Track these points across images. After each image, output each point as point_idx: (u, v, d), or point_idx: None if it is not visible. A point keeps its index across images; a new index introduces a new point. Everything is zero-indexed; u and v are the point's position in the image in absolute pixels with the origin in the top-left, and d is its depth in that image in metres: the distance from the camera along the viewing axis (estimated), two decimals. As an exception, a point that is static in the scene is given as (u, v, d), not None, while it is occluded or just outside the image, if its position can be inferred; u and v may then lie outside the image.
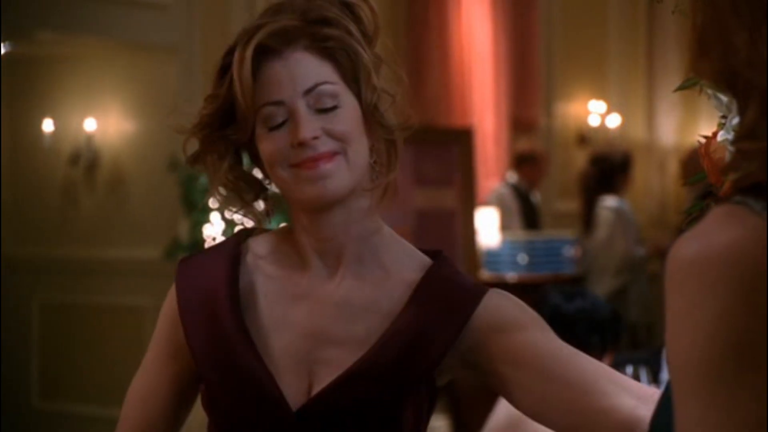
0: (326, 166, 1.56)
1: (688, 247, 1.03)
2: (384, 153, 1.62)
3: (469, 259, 6.86)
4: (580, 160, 8.22)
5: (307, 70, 1.58)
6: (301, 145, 1.55)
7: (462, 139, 6.99)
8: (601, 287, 6.98)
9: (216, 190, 1.65)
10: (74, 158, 6.85)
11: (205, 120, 1.62)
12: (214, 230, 5.71)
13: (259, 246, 1.67)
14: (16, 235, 6.95)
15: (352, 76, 1.60)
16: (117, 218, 6.76)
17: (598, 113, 8.85)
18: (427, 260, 1.65)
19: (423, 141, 6.28)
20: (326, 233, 1.61)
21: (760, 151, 1.06)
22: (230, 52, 1.61)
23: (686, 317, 1.02)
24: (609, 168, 7.37)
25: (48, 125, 6.93)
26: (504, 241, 7.26)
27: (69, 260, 6.89)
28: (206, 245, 5.63)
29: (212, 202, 6.60)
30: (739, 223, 1.03)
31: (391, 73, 1.64)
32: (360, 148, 1.59)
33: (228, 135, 1.61)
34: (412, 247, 1.67)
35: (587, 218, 7.40)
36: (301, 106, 1.57)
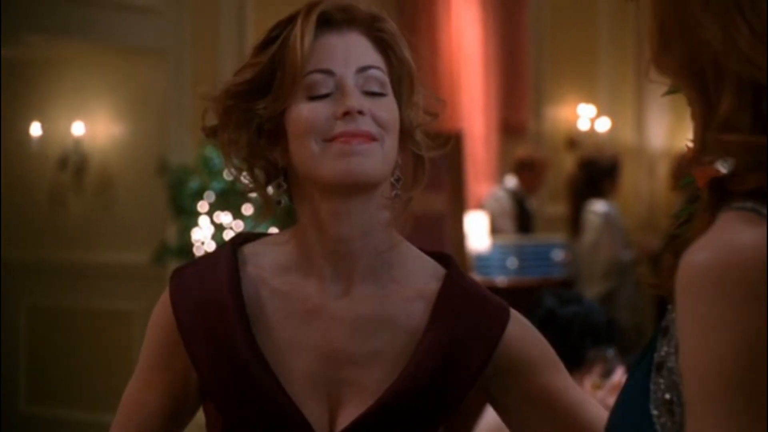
0: (361, 145, 1.51)
1: (703, 255, 1.02)
2: (411, 169, 1.59)
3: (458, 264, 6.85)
4: (569, 163, 8.23)
5: (363, 50, 1.56)
6: (346, 115, 1.51)
7: (451, 143, 6.98)
8: (590, 291, 6.98)
9: (230, 166, 1.60)
10: (62, 162, 6.83)
11: (235, 89, 1.56)
12: (202, 234, 5.69)
13: (259, 256, 1.59)
14: (4, 239, 6.92)
15: (398, 78, 1.58)
16: (105, 222, 6.74)
17: (587, 117, 8.85)
18: (439, 268, 1.62)
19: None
20: (343, 231, 1.54)
21: (743, 144, 1.06)
22: (279, 26, 1.57)
23: (707, 325, 1.00)
24: (597, 172, 7.38)
25: (36, 129, 6.91)
26: (494, 245, 7.25)
27: (57, 264, 6.86)
28: (195, 249, 5.61)
29: (201, 206, 6.50)
30: (755, 228, 1.03)
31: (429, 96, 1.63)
32: (393, 146, 1.55)
33: (255, 107, 1.56)
34: (425, 256, 1.63)
35: (575, 222, 7.41)
36: (351, 81, 1.53)
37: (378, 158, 1.52)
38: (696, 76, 1.11)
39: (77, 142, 6.79)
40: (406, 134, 1.58)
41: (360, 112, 1.51)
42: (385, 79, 1.56)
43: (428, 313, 1.57)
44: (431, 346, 1.55)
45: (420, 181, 1.60)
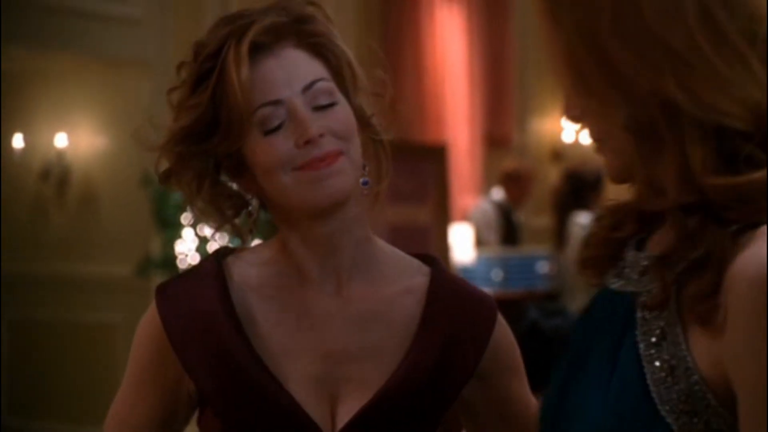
0: (331, 167, 1.50)
1: (757, 267, 1.05)
2: (373, 158, 1.59)
3: (443, 276, 6.84)
4: (554, 176, 8.24)
5: (302, 64, 1.53)
6: (308, 143, 1.49)
7: (436, 156, 6.99)
8: (575, 303, 6.98)
9: (195, 209, 1.58)
10: (45, 174, 6.81)
11: (180, 134, 1.53)
12: (186, 246, 5.67)
13: (244, 267, 1.59)
14: (-14, 251, 6.89)
15: (340, 74, 1.55)
16: (88, 234, 6.72)
17: (572, 129, 8.87)
18: (423, 266, 1.63)
19: (397, 157, 6.28)
20: (326, 230, 1.54)
21: (734, 186, 1.09)
22: (209, 59, 1.53)
23: None
24: (581, 185, 7.39)
25: (18, 141, 6.88)
26: (479, 258, 7.26)
27: (40, 276, 6.83)
28: (178, 261, 5.59)
29: (185, 219, 6.45)
30: None
31: (372, 75, 1.61)
32: (357, 149, 1.54)
33: (208, 148, 1.53)
34: (405, 254, 1.64)
35: (560, 234, 7.42)
36: (301, 105, 1.51)
37: (348, 169, 1.52)
38: (649, 129, 1.12)
39: (60, 153, 6.77)
40: (361, 122, 1.57)
41: (321, 136, 1.50)
42: (331, 86, 1.54)
43: (420, 308, 1.58)
44: (426, 345, 1.56)
45: (387, 167, 1.60)
